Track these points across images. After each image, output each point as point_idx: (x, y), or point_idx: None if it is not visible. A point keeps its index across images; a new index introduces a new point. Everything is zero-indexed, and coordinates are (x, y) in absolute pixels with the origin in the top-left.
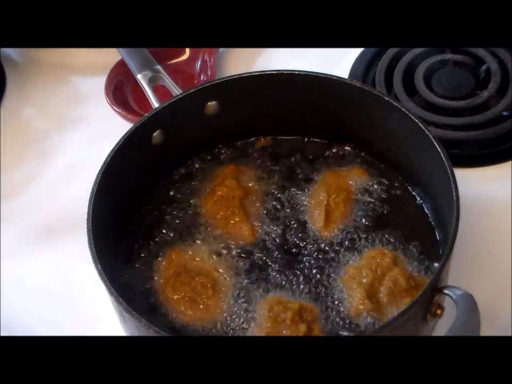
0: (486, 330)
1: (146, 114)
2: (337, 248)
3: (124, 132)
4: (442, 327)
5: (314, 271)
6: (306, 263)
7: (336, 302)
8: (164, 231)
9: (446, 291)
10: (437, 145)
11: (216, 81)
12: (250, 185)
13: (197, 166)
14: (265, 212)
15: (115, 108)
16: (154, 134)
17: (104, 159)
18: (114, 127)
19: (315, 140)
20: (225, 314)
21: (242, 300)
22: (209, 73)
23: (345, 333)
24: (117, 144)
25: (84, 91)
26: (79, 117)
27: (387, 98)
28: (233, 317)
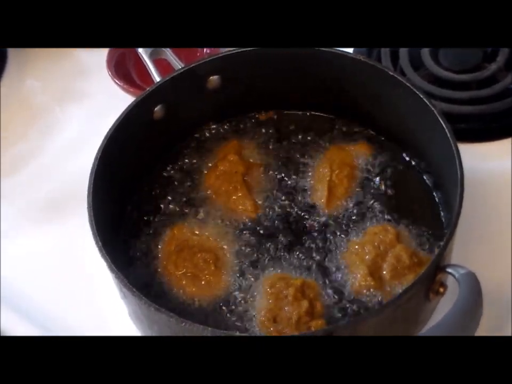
0: (488, 309)
1: (148, 89)
2: (340, 224)
3: (126, 106)
4: (444, 306)
5: (316, 247)
6: (309, 239)
7: (339, 279)
8: (165, 207)
9: (449, 269)
10: (441, 121)
11: (219, 55)
12: (253, 160)
13: (199, 141)
14: (267, 187)
15: (117, 82)
16: (155, 109)
17: (106, 134)
18: (116, 101)
19: (319, 114)
20: (227, 291)
21: (244, 276)
22: None
23: (349, 307)
24: (117, 119)
25: (86, 65)
26: (81, 91)
27: (391, 73)
28: (235, 293)
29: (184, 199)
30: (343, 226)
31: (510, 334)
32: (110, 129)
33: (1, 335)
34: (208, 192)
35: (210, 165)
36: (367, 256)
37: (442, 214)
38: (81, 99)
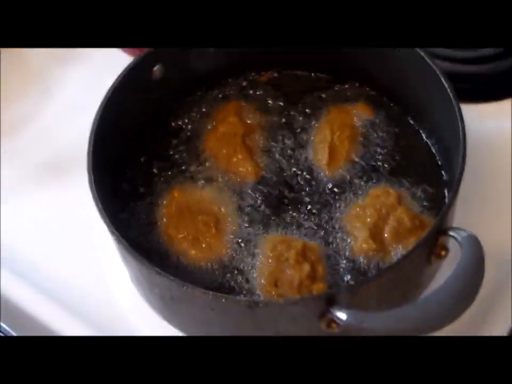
0: (490, 272)
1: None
2: (341, 186)
3: (125, 67)
4: (445, 269)
5: (318, 209)
6: (310, 202)
7: (340, 242)
8: (165, 170)
9: (451, 232)
10: (443, 80)
11: None
12: (253, 122)
13: (199, 102)
14: (268, 149)
15: None
16: (154, 69)
17: (104, 94)
18: (115, 61)
19: (319, 75)
20: (228, 254)
21: (245, 239)
22: None
23: (350, 270)
24: (116, 80)
25: None
26: (79, 51)
27: None
28: (237, 256)
29: (184, 161)
30: (345, 188)
31: (510, 298)
32: (108, 89)
33: (2, 297)
34: (208, 155)
35: (210, 127)
36: (368, 219)
37: (444, 175)
38: (80, 60)
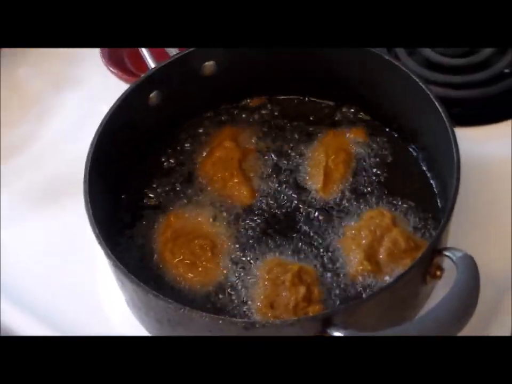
0: (486, 292)
1: (143, 75)
2: (336, 209)
3: (121, 93)
4: (441, 289)
5: (313, 232)
6: (306, 225)
7: (336, 264)
8: (161, 194)
9: (446, 253)
10: (437, 105)
11: None
12: (249, 146)
13: (195, 127)
14: (264, 173)
15: (111, 69)
16: (151, 95)
17: (101, 120)
18: (110, 88)
19: (313, 99)
20: (224, 277)
21: (241, 262)
22: None
23: (346, 292)
24: (113, 106)
25: (80, 51)
26: (75, 77)
27: (387, 57)
28: (233, 279)
29: (180, 186)
30: (339, 211)
31: (505, 316)
32: (105, 115)
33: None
34: (204, 179)
35: (205, 151)
36: (363, 241)
37: (438, 197)
38: (75, 86)
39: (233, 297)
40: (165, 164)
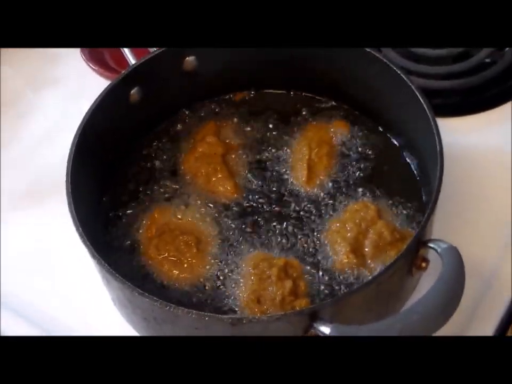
0: (471, 283)
1: (123, 71)
2: (320, 202)
3: (101, 90)
4: (427, 280)
5: (298, 226)
6: (290, 219)
7: (321, 257)
8: (144, 191)
9: (431, 244)
10: (419, 96)
11: None
12: (232, 141)
13: (177, 123)
14: (247, 167)
15: (91, 65)
16: (132, 92)
17: (82, 118)
18: (91, 85)
19: (296, 93)
20: (210, 273)
21: (226, 258)
22: None
23: (332, 285)
24: (93, 103)
25: (60, 49)
26: (55, 75)
27: (368, 49)
28: (219, 274)
29: (163, 182)
30: (324, 204)
31: (490, 307)
32: (86, 113)
33: None
34: (188, 175)
35: (189, 147)
36: (348, 234)
37: (422, 188)
38: (55, 84)
39: (220, 293)
40: (148, 160)
